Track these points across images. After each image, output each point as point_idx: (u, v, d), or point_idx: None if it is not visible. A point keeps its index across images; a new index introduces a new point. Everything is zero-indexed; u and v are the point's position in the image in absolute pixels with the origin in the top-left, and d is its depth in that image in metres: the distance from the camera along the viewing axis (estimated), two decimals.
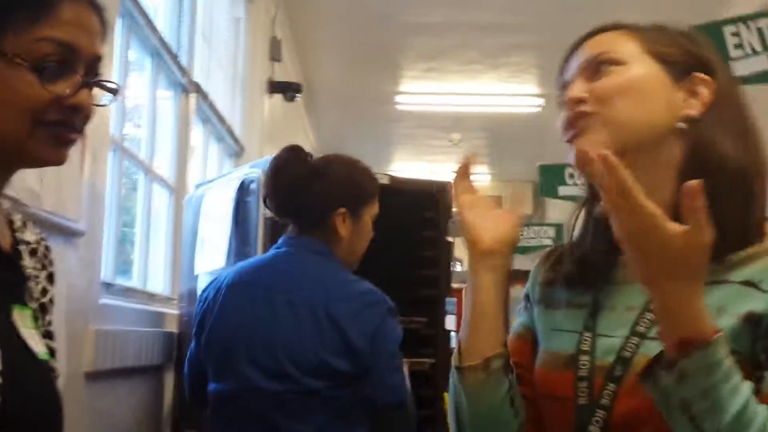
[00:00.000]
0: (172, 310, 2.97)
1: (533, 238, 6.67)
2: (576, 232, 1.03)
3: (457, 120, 7.69)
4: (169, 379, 2.88)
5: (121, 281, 2.71)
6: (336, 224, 1.84)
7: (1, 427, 0.80)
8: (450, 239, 2.60)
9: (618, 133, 0.91)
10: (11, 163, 0.92)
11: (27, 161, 0.92)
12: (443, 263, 2.59)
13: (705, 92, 0.94)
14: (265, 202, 1.91)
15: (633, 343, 0.88)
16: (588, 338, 0.93)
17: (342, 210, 1.85)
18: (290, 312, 1.76)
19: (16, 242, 0.98)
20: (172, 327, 2.88)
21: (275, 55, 4.79)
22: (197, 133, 3.78)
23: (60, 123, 0.89)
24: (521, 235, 1.01)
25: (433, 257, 2.54)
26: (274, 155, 1.92)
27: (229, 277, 1.88)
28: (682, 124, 0.92)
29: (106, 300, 2.36)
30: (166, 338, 2.78)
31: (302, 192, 1.84)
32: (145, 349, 2.55)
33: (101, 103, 0.96)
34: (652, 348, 0.84)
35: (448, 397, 1.04)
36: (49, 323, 1.02)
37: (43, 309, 1.00)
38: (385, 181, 2.51)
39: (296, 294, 1.77)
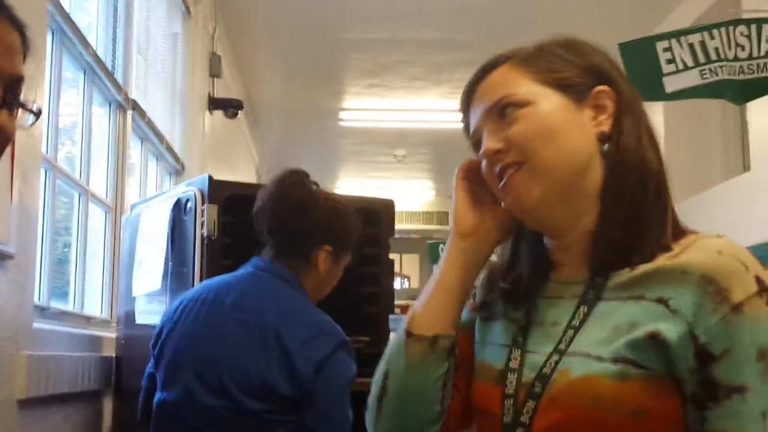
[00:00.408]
0: (110, 334, 2.89)
1: None
2: (506, 250, 1.04)
3: (401, 136, 7.72)
4: (107, 404, 2.80)
5: (57, 304, 2.62)
6: (317, 258, 1.88)
7: None
8: (391, 257, 2.59)
9: (549, 178, 0.91)
10: None
11: None
12: (385, 280, 2.57)
13: (609, 104, 0.94)
14: (255, 217, 1.91)
15: (554, 360, 0.88)
16: (517, 356, 0.93)
17: (328, 247, 1.89)
18: (240, 330, 1.75)
19: None
20: (110, 351, 2.80)
21: (215, 71, 4.74)
22: (135, 151, 3.70)
23: None
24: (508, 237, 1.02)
25: (375, 274, 2.52)
26: (280, 176, 1.94)
27: (191, 292, 1.90)
28: (606, 147, 0.93)
29: (40, 324, 2.28)
30: (103, 362, 2.70)
31: (298, 218, 1.86)
32: (81, 374, 2.47)
33: (23, 125, 0.92)
34: (568, 364, 0.86)
35: (382, 357, 1.03)
36: None
37: None
38: None
39: (249, 313, 1.77)
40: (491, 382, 0.94)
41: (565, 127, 0.93)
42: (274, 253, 1.89)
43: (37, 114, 0.94)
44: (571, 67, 0.95)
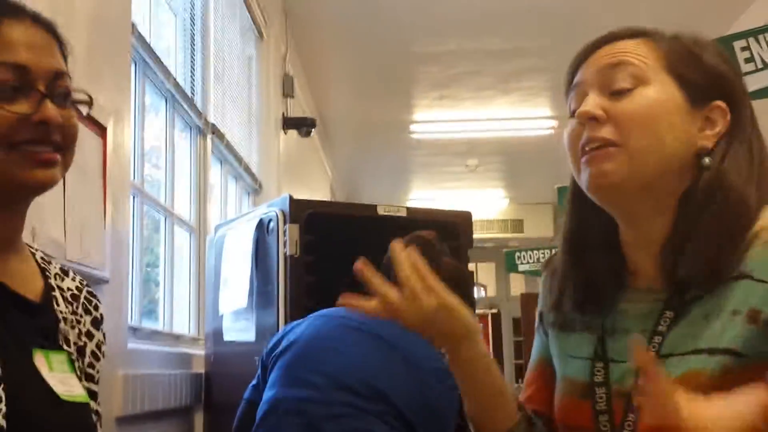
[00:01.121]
0: (199, 351, 2.98)
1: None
2: (566, 256, 1.00)
3: (472, 145, 7.71)
4: (198, 420, 2.89)
5: (147, 324, 2.73)
6: None
7: None
8: (471, 269, 2.60)
9: (638, 167, 0.88)
10: (6, 198, 0.91)
11: (16, 189, 0.90)
12: (468, 293, 2.58)
13: (720, 123, 0.91)
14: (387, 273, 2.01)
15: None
16: (600, 369, 0.91)
17: None
18: (371, 341, 1.85)
19: (49, 289, 0.99)
20: (200, 368, 2.89)
21: (288, 91, 4.84)
22: (215, 172, 3.82)
23: (32, 142, 0.88)
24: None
25: (455, 287, 2.53)
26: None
27: (318, 314, 2.00)
28: (706, 161, 0.90)
29: (134, 344, 2.38)
30: (193, 379, 2.79)
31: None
32: (173, 391, 2.56)
33: (81, 115, 0.95)
34: (667, 367, 0.84)
35: None
36: (90, 366, 1.02)
37: (81, 352, 1.01)
38: (402, 213, 2.53)
39: (384, 331, 1.85)
40: (576, 397, 0.93)
41: (671, 122, 0.89)
42: None
43: (89, 103, 0.98)
44: (700, 69, 0.92)
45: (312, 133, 5.21)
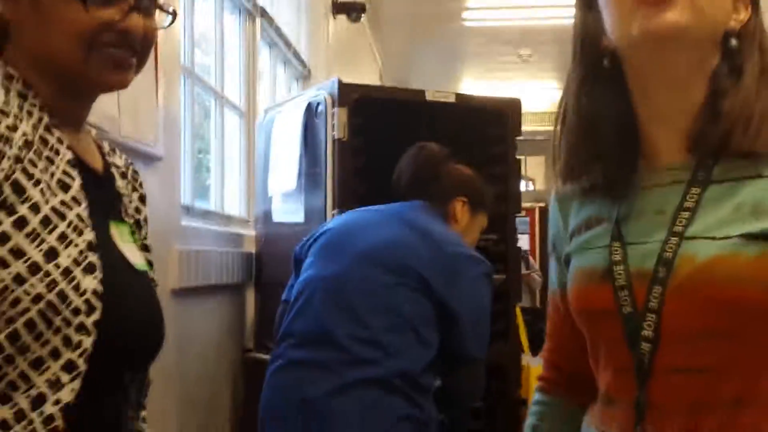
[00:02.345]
0: (249, 232, 3.08)
1: None
2: (572, 146, 0.97)
3: (526, 34, 7.50)
4: (249, 296, 3.01)
5: (199, 204, 2.82)
6: (455, 208, 2.05)
7: (105, 334, 0.88)
8: (519, 156, 2.59)
9: (696, 22, 0.86)
10: (81, 91, 0.96)
11: (90, 86, 0.96)
12: (512, 180, 2.59)
13: (743, 14, 0.91)
14: (394, 182, 2.12)
15: (672, 244, 0.86)
16: (618, 248, 0.90)
17: (463, 198, 2.06)
18: (401, 225, 1.94)
19: (107, 165, 1.04)
20: (250, 247, 2.99)
21: None
22: (264, 57, 3.81)
23: (113, 45, 0.92)
24: None
25: (502, 174, 2.54)
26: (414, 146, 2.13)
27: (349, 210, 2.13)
28: (733, 41, 0.89)
29: (187, 222, 2.47)
30: (244, 258, 2.90)
31: (433, 169, 2.06)
32: (226, 268, 2.67)
33: (159, 27, 0.98)
34: (691, 248, 0.84)
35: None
36: (145, 237, 1.09)
37: (139, 225, 1.08)
38: (451, 99, 2.52)
39: (414, 218, 1.96)
40: (596, 281, 0.91)
41: None
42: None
43: (173, 15, 1.01)
44: None
45: (362, 19, 5.13)
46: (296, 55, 4.24)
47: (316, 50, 4.59)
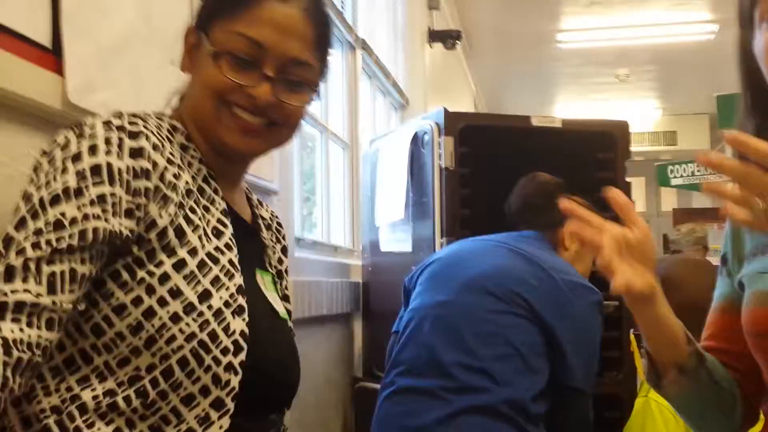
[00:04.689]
0: (355, 261, 3.11)
1: (712, 174, 6.31)
2: None
3: (623, 54, 7.35)
4: (357, 325, 3.04)
5: (308, 235, 2.87)
6: (565, 236, 2.01)
7: (250, 374, 0.91)
8: (628, 180, 2.53)
9: None
10: (223, 152, 1.00)
11: (220, 145, 0.98)
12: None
13: None
14: (509, 208, 2.12)
15: None
16: None
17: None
18: (510, 253, 1.92)
19: (255, 216, 1.10)
20: (357, 277, 3.02)
21: (434, 3, 4.78)
22: (364, 87, 3.87)
23: (241, 107, 0.96)
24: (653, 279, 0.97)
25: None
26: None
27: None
28: None
29: (299, 253, 2.52)
30: (352, 288, 2.93)
31: (546, 197, 2.03)
32: (335, 298, 2.70)
33: (303, 104, 1.00)
34: None
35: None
36: (286, 288, 1.13)
37: (280, 275, 1.12)
38: (557, 124, 2.49)
39: (522, 246, 1.93)
40: None
41: None
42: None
43: (317, 93, 1.02)
44: None
45: (457, 46, 5.15)
46: (395, 84, 4.29)
47: (413, 79, 4.63)
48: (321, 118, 3.09)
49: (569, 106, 9.22)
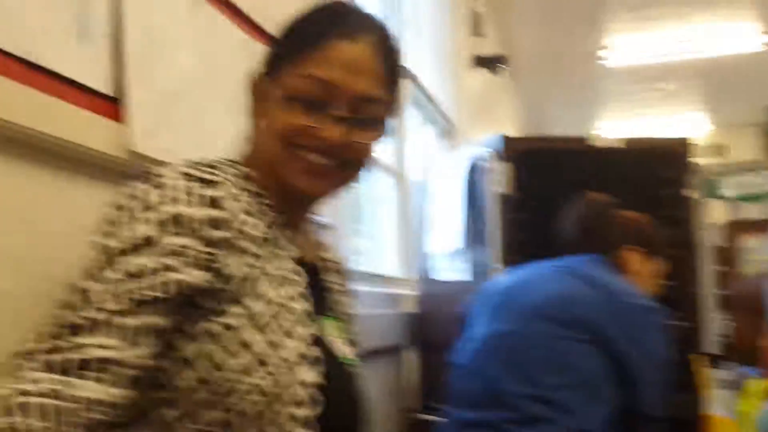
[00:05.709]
0: (406, 291, 3.07)
1: (764, 184, 6.18)
2: None
3: (668, 69, 7.24)
4: (412, 357, 2.98)
5: (359, 266, 2.83)
6: (626, 257, 1.98)
7: (325, 421, 0.88)
8: (692, 197, 2.46)
9: None
10: (293, 196, 0.97)
11: (285, 186, 0.96)
12: (687, 222, 2.46)
13: None
14: (562, 232, 2.06)
15: None
16: None
17: (633, 245, 2.00)
18: (572, 278, 1.87)
19: (322, 261, 1.08)
20: (408, 308, 2.98)
21: (478, 30, 4.76)
22: (410, 114, 3.85)
23: (307, 149, 0.93)
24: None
25: (677, 217, 2.42)
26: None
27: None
28: None
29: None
30: (405, 319, 2.88)
31: (599, 218, 2.01)
32: (386, 330, 2.66)
33: (368, 142, 0.97)
34: None
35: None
36: (356, 333, 1.11)
37: (350, 320, 1.09)
38: (619, 143, 2.44)
39: (586, 271, 1.89)
40: None
41: None
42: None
43: (388, 131, 1.00)
44: None
45: (503, 70, 5.11)
46: (440, 111, 4.26)
47: (458, 106, 4.60)
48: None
49: (613, 124, 9.09)
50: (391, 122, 1.01)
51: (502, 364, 1.79)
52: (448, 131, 4.49)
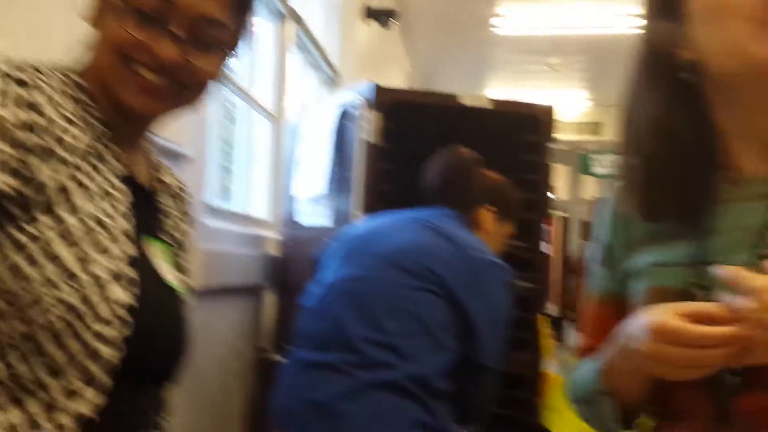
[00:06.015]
0: (273, 234, 3.05)
1: None
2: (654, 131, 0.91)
3: (555, 44, 7.44)
4: (269, 299, 2.98)
5: (224, 205, 2.79)
6: (481, 216, 2.03)
7: (133, 350, 0.85)
8: (549, 163, 2.55)
9: None
10: (127, 118, 0.94)
11: (117, 103, 0.92)
12: (542, 188, 2.55)
13: None
14: (426, 183, 2.09)
15: (757, 266, 0.79)
16: (698, 269, 0.85)
17: (490, 206, 2.05)
18: (426, 230, 1.92)
19: (157, 182, 1.03)
20: (273, 250, 2.97)
21: None
22: (293, 60, 3.79)
23: (144, 66, 0.89)
24: None
25: (533, 181, 2.50)
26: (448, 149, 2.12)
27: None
28: None
29: (211, 222, 2.44)
30: (267, 260, 2.87)
31: (463, 173, 2.05)
32: (247, 269, 2.64)
33: (204, 65, 0.93)
34: None
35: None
36: (186, 261, 1.07)
37: (182, 247, 1.06)
38: (487, 104, 2.48)
39: (440, 223, 1.93)
40: (671, 302, 0.84)
41: None
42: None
43: (232, 55, 0.97)
44: None
45: (392, 25, 5.10)
46: (326, 59, 4.22)
47: (345, 55, 4.56)
48: (246, 88, 3.01)
49: (500, 91, 9.29)
50: (235, 51, 0.98)
51: (349, 307, 1.81)
52: (332, 79, 4.45)
